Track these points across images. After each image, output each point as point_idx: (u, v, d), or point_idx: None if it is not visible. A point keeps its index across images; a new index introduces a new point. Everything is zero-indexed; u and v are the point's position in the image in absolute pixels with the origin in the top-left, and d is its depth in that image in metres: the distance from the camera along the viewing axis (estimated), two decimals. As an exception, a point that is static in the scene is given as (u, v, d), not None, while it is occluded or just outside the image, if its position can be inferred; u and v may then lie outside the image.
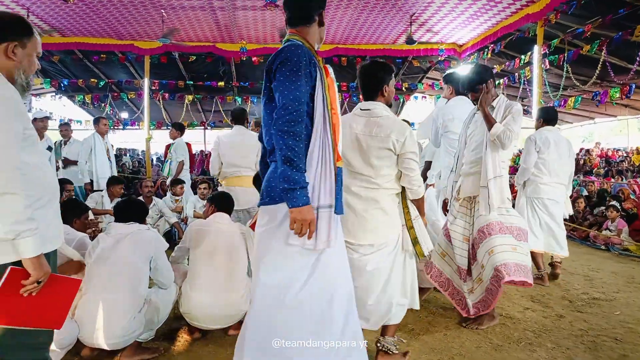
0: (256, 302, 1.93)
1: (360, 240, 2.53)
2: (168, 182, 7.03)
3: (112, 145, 6.94)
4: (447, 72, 4.64)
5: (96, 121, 6.58)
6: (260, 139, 2.09)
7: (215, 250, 3.02)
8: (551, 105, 7.30)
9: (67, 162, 6.52)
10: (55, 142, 6.74)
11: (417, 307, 2.73)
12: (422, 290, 3.47)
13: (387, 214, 2.55)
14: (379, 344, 2.68)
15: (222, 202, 3.27)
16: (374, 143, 2.50)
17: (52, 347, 2.55)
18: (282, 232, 1.91)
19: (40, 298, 1.66)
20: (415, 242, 2.57)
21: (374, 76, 2.59)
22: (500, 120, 3.08)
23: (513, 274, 2.91)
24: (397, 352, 2.68)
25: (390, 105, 2.65)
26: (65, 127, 6.91)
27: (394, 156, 2.51)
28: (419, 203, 2.67)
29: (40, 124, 5.65)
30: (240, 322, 3.12)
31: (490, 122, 3.06)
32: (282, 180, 1.80)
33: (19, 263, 1.60)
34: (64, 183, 4.82)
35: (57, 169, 6.40)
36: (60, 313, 1.74)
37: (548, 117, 4.56)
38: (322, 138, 1.90)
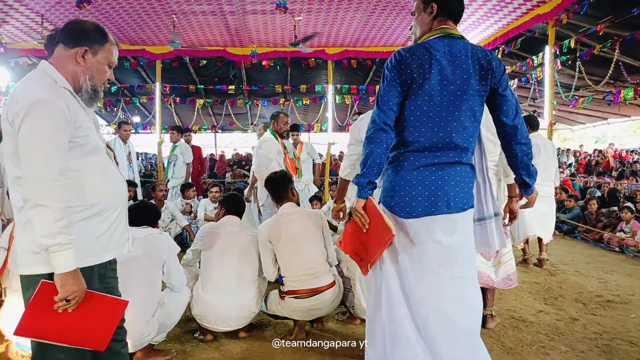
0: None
1: None
2: (169, 185, 7.09)
3: (132, 151, 6.90)
4: None
5: (119, 126, 6.72)
6: None
7: (226, 252, 3.05)
8: (534, 113, 7.23)
9: None
10: None
11: None
12: None
13: None
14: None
15: (232, 205, 3.31)
16: None
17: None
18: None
19: (79, 316, 1.58)
20: None
21: None
22: None
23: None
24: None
25: None
26: None
27: None
28: None
29: None
30: (251, 325, 3.15)
31: None
32: (532, 180, 1.95)
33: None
34: None
35: None
36: (104, 334, 1.65)
37: (532, 124, 4.91)
38: None
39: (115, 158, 1.93)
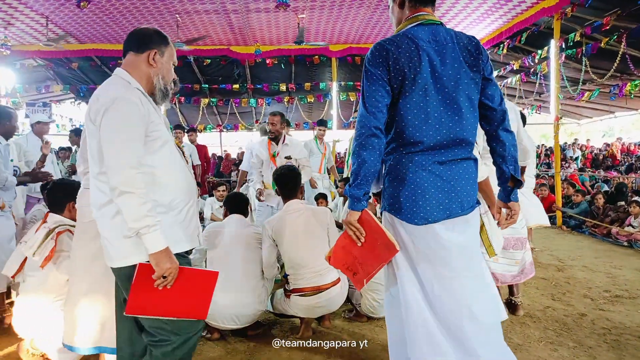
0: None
1: None
2: None
3: None
4: None
5: None
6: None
7: (230, 251, 3.07)
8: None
9: (75, 170, 6.57)
10: (70, 148, 6.79)
11: None
12: None
13: None
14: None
15: (234, 204, 3.32)
16: None
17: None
18: None
19: (179, 290, 1.75)
20: (487, 242, 2.33)
21: None
22: None
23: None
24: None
25: None
26: (71, 135, 6.83)
27: None
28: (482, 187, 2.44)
29: (44, 127, 5.68)
30: (258, 323, 3.16)
31: None
32: (519, 176, 1.82)
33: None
34: None
35: (71, 176, 6.47)
36: (203, 304, 1.83)
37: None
38: None
39: (184, 155, 2.03)
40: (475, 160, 1.80)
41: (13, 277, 2.78)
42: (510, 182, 1.83)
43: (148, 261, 1.69)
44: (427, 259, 1.73)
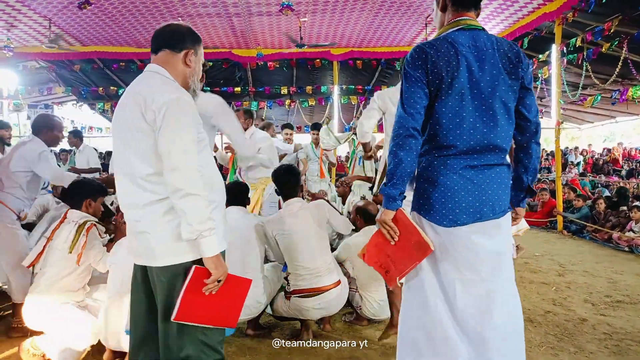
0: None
1: None
2: None
3: None
4: None
5: None
6: None
7: (229, 244, 3.04)
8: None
9: (76, 172, 6.58)
10: (70, 150, 6.82)
11: None
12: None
13: None
14: None
15: (232, 196, 3.30)
16: None
17: (71, 346, 2.63)
18: None
19: (218, 297, 1.70)
20: None
21: None
22: None
23: None
24: None
25: None
26: (69, 136, 6.84)
27: None
28: None
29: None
30: (259, 325, 3.16)
31: None
32: (533, 186, 1.83)
33: (196, 262, 1.67)
34: None
35: None
36: (235, 312, 1.78)
37: None
38: None
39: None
40: (509, 166, 1.80)
41: (29, 266, 2.85)
42: (525, 191, 1.87)
43: (193, 262, 1.67)
44: (452, 261, 1.73)
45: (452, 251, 1.73)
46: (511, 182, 1.81)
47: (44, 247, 2.80)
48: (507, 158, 1.80)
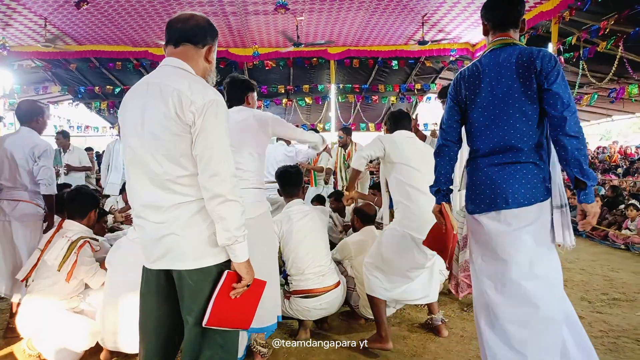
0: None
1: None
2: None
3: None
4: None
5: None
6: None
7: None
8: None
9: (70, 169, 6.56)
10: (56, 149, 6.77)
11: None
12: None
13: None
14: (438, 321, 3.15)
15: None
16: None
17: (69, 347, 2.62)
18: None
19: (240, 300, 1.70)
20: None
21: None
22: None
23: None
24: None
25: None
26: (58, 137, 6.79)
27: None
28: None
29: None
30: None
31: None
32: (586, 178, 1.81)
33: (223, 265, 1.66)
34: (64, 187, 4.78)
35: (58, 175, 6.44)
36: (251, 313, 1.77)
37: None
38: None
39: None
40: (534, 163, 1.98)
41: (22, 280, 2.79)
42: (575, 184, 1.89)
43: (221, 265, 1.65)
44: (477, 240, 2.13)
45: (475, 233, 2.12)
46: (541, 177, 1.98)
47: (38, 259, 2.75)
48: (533, 156, 1.98)
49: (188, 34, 1.70)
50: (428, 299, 3.07)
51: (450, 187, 2.22)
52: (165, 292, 1.74)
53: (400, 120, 3.12)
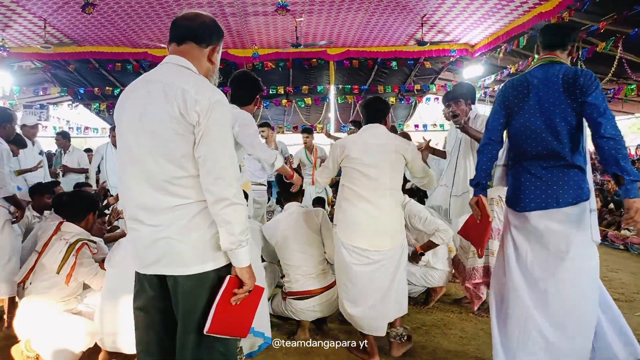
0: None
1: (376, 246, 2.69)
2: None
3: None
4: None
5: (111, 130, 6.62)
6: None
7: None
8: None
9: (67, 170, 6.54)
10: (56, 150, 6.75)
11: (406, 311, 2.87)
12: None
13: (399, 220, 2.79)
14: (391, 337, 2.79)
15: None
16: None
17: (67, 348, 2.61)
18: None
19: (239, 306, 1.63)
20: None
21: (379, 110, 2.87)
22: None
23: None
24: (409, 337, 2.83)
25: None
26: (58, 137, 6.77)
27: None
28: None
29: (31, 130, 5.69)
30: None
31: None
32: (626, 174, 1.98)
33: (222, 270, 1.60)
34: (54, 185, 4.74)
35: (57, 175, 6.44)
36: (249, 321, 1.70)
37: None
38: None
39: None
40: (578, 167, 2.22)
41: (20, 283, 2.78)
42: (615, 180, 2.08)
43: (217, 271, 1.58)
44: (525, 235, 2.31)
45: (523, 229, 2.32)
46: (583, 179, 2.23)
47: (35, 262, 2.75)
48: (576, 160, 2.22)
49: (193, 32, 1.66)
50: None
51: (488, 182, 2.47)
52: (162, 299, 1.65)
53: (367, 112, 2.89)
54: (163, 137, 1.53)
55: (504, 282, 2.38)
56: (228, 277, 1.57)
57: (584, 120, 2.22)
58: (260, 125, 7.38)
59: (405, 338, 2.79)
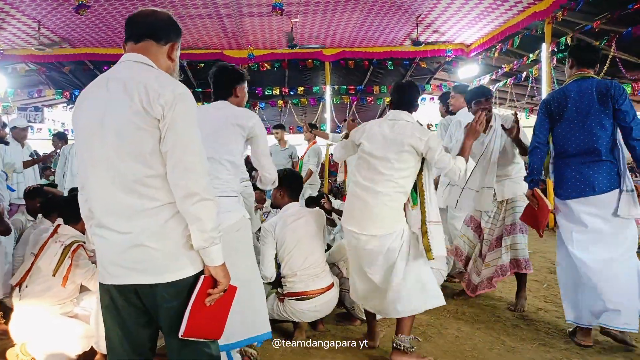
0: None
1: (365, 230, 2.69)
2: None
3: None
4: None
5: None
6: None
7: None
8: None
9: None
10: (57, 152, 6.71)
11: (440, 303, 2.72)
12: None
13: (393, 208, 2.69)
14: (394, 343, 2.68)
15: None
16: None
17: (63, 351, 2.60)
18: None
19: (214, 307, 1.57)
20: (427, 249, 2.60)
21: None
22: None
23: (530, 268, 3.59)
24: (413, 350, 2.65)
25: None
26: (54, 139, 6.75)
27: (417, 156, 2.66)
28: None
29: (21, 132, 5.67)
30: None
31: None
32: None
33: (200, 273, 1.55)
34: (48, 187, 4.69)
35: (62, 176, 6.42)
36: (222, 321, 1.64)
37: None
38: None
39: None
40: (610, 161, 2.79)
41: (16, 285, 2.76)
42: None
43: (197, 275, 1.53)
44: (569, 219, 2.96)
45: (566, 214, 2.97)
46: (616, 171, 2.79)
47: (32, 264, 2.74)
48: (609, 155, 2.79)
49: (151, 29, 1.60)
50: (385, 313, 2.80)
51: (541, 177, 3.07)
52: (136, 309, 1.58)
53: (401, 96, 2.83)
54: (127, 134, 1.46)
55: (563, 252, 3.03)
56: (202, 277, 1.52)
57: (616, 123, 2.76)
58: (274, 127, 7.47)
59: (409, 348, 2.65)
